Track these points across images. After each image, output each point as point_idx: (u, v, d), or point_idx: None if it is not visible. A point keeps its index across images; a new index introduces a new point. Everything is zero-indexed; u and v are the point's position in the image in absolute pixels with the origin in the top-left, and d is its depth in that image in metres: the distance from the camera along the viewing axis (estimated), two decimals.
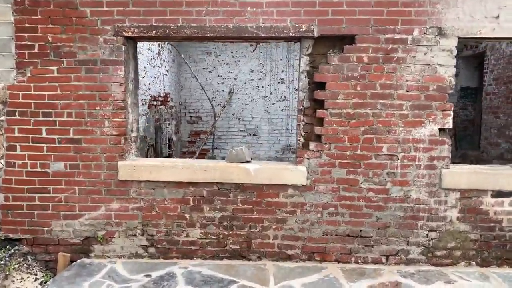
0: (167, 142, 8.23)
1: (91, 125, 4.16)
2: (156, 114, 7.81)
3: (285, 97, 9.80)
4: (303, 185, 4.08)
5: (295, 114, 9.84)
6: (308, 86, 4.12)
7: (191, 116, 10.06)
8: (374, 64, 3.91)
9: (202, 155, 9.96)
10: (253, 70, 9.81)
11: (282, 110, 9.82)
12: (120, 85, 4.11)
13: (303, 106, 4.15)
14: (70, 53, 4.08)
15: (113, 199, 4.23)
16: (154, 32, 4.04)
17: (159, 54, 8.02)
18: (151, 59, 7.47)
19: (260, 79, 9.82)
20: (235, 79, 9.85)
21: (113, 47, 4.08)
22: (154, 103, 7.73)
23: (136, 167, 4.17)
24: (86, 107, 4.15)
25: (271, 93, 9.82)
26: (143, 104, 7.03)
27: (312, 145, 4.07)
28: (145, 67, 7.12)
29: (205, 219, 4.19)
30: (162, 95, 8.25)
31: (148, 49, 7.32)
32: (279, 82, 9.78)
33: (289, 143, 9.89)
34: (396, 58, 3.88)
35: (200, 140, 9.95)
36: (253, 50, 8.73)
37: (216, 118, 9.15)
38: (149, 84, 7.37)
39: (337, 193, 4.07)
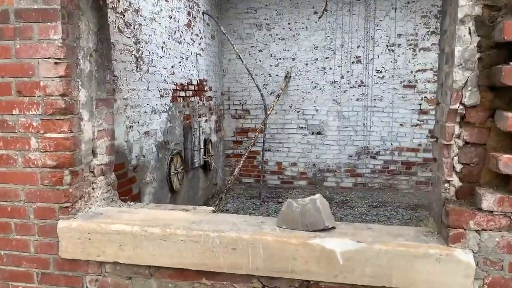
0: (202, 146, 6.08)
1: (6, 147, 2.08)
2: (185, 109, 5.68)
3: (361, 82, 7.27)
4: None
5: (375, 105, 7.28)
6: (478, 55, 1.71)
7: (236, 110, 7.84)
8: None
9: (251, 158, 7.75)
10: (317, 47, 7.36)
11: (357, 99, 7.31)
12: (57, 63, 1.96)
13: (461, 102, 1.76)
14: None
15: None
16: None
17: (189, 26, 5.84)
18: (174, 31, 5.30)
19: (328, 58, 7.35)
20: (293, 59, 7.47)
21: None
22: (182, 94, 5.59)
23: (93, 234, 2.02)
24: None
25: (342, 77, 7.33)
26: (162, 96, 4.91)
27: (488, 199, 1.69)
28: (164, 43, 4.97)
29: None
30: (195, 82, 6.10)
31: (170, 17, 5.14)
32: (353, 62, 7.26)
33: (367, 145, 7.37)
34: None
35: (248, 140, 7.73)
36: (319, 18, 6.32)
37: (268, 112, 6.87)
38: (172, 67, 5.22)
39: None
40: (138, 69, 4.30)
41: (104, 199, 2.34)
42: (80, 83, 2.10)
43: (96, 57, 2.24)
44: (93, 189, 2.26)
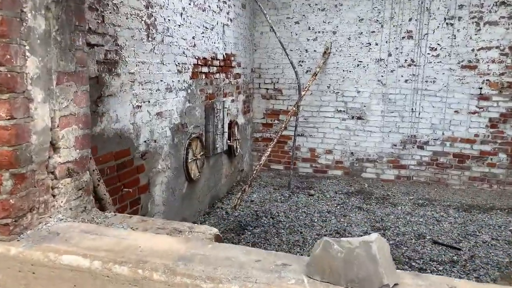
0: (226, 129, 5.42)
1: None
2: (208, 87, 5.00)
3: (412, 60, 6.32)
4: None
5: (427, 88, 6.34)
6: None
7: (267, 89, 7.09)
8: None
9: (281, 143, 7.04)
10: (362, 19, 6.44)
11: (406, 81, 6.38)
12: None
13: None
14: None
15: None
16: None
17: None
18: None
19: (374, 32, 6.42)
20: (334, 32, 6.59)
21: None
22: (205, 69, 4.91)
23: (38, 267, 1.39)
24: None
25: (389, 55, 6.40)
26: (179, 71, 4.25)
27: None
28: (184, 9, 4.27)
29: None
30: (220, 57, 5.39)
31: None
32: (403, 37, 6.30)
33: (415, 133, 6.47)
34: None
35: (279, 123, 7.00)
36: None
37: (302, 93, 6.10)
38: (193, 38, 4.53)
39: None
40: (150, 39, 3.64)
41: (71, 208, 1.72)
42: (27, 47, 1.45)
43: (57, 12, 1.57)
44: (53, 196, 1.64)
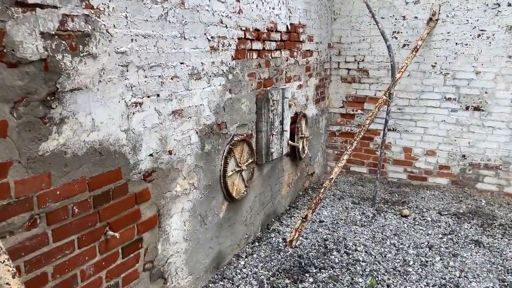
0: (287, 126, 4.03)
1: None
2: (261, 70, 3.66)
3: None
4: None
5: None
6: None
7: (349, 69, 5.51)
8: None
9: (365, 140, 5.48)
10: None
11: None
12: None
13: None
14: None
15: None
16: None
17: None
18: None
19: None
20: None
21: None
22: (257, 46, 3.56)
23: None
24: None
25: None
26: (214, 49, 2.96)
27: None
28: None
29: None
30: (282, 28, 3.99)
31: None
32: None
33: None
34: None
35: (364, 114, 5.43)
36: None
37: (397, 74, 4.47)
38: (237, 1, 3.20)
39: None
40: (159, 0, 2.39)
41: None
42: None
43: None
44: None
